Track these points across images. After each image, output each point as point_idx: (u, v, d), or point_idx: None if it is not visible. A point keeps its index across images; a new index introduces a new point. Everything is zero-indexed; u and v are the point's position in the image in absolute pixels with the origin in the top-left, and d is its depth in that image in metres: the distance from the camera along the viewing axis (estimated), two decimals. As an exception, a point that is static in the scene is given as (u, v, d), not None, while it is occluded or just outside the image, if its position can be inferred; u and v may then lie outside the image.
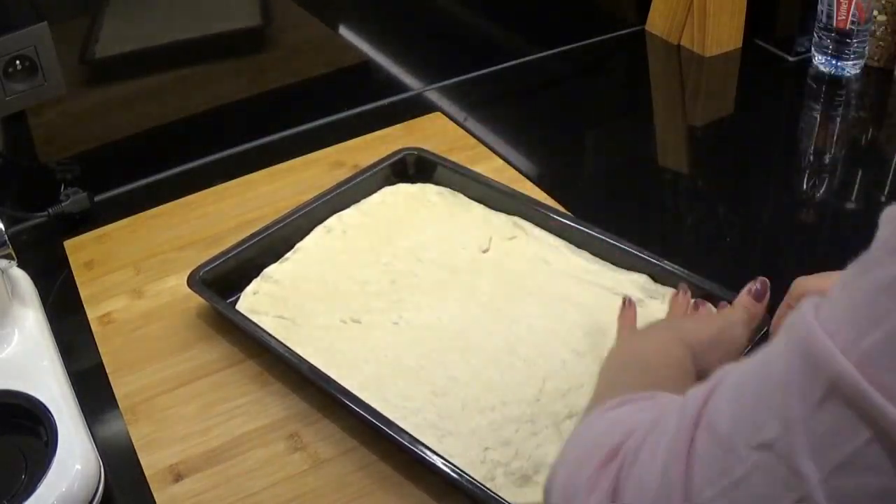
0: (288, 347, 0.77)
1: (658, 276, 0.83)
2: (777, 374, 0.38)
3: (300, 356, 0.76)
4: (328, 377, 0.74)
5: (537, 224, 0.91)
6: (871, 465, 0.35)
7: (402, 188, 0.98)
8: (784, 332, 0.40)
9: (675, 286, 0.82)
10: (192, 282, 0.83)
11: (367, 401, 0.72)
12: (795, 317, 0.40)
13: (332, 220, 0.93)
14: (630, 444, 0.45)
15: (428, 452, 0.67)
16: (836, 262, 0.44)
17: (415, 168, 0.99)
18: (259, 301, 0.85)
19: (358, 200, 0.95)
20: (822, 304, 0.39)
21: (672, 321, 0.74)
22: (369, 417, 0.70)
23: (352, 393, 0.72)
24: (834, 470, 0.36)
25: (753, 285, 0.70)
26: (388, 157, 0.99)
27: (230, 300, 0.84)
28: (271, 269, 0.88)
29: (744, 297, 0.69)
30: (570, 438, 0.52)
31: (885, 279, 0.36)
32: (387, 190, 0.97)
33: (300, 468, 0.71)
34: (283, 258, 0.89)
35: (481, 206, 0.95)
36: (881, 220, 0.38)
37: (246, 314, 0.82)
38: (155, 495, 0.69)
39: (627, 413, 0.51)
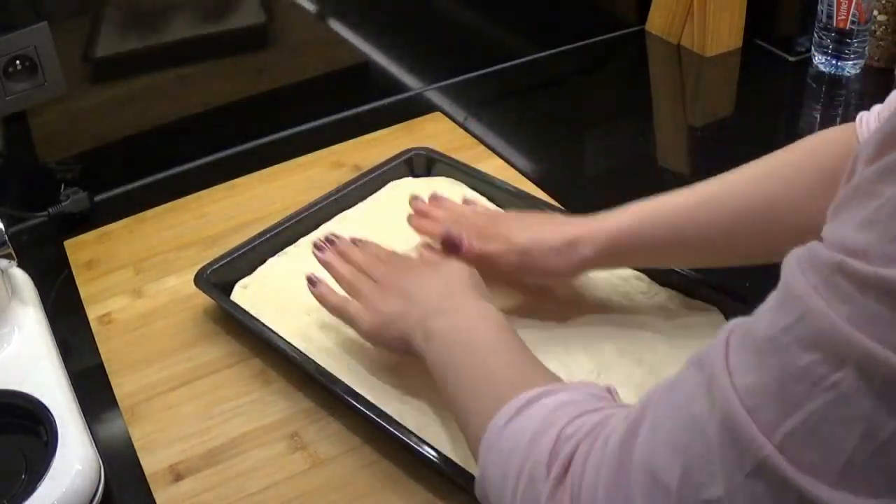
0: (294, 346, 0.77)
1: (657, 276, 0.83)
2: (710, 437, 0.40)
3: (306, 355, 0.76)
4: (335, 376, 0.73)
5: None
6: None
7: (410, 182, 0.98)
8: (698, 370, 0.42)
9: (674, 285, 0.82)
10: (199, 281, 0.83)
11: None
12: (710, 361, 0.41)
13: (341, 217, 0.93)
14: (577, 462, 0.47)
15: (431, 451, 0.67)
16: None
17: (424, 168, 0.99)
18: (245, 295, 0.84)
19: (366, 199, 0.95)
20: (737, 361, 0.40)
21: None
22: (374, 417, 0.70)
23: (357, 392, 0.72)
24: None
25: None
26: (397, 156, 0.99)
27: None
28: (269, 263, 0.88)
29: None
30: (493, 444, 0.53)
31: (800, 362, 0.37)
32: (395, 183, 0.97)
33: (300, 468, 0.71)
34: (282, 251, 0.89)
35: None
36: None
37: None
38: (155, 495, 0.69)
39: (542, 417, 0.51)
